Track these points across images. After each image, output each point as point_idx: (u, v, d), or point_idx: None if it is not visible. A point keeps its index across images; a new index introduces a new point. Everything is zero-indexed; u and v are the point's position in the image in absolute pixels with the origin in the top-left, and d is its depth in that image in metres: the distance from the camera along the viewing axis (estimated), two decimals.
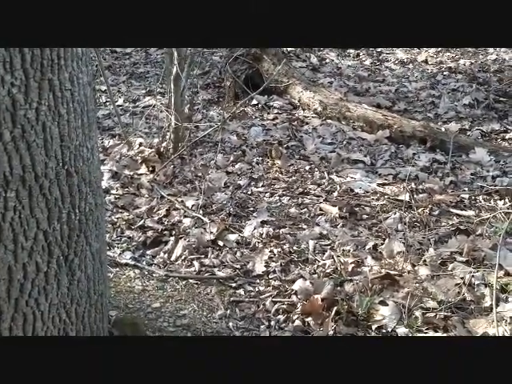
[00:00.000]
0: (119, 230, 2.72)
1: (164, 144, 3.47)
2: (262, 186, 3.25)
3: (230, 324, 2.12)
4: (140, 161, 3.34)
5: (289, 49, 5.60)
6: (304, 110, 4.41)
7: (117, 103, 4.31)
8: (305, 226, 2.82)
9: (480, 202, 3.09)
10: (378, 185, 3.30)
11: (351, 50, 5.84)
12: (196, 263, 2.50)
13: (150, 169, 3.29)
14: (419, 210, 2.95)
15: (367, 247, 2.63)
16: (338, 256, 2.53)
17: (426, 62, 5.57)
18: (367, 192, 3.21)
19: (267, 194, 3.14)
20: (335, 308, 2.13)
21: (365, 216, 2.93)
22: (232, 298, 2.28)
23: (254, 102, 4.46)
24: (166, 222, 2.78)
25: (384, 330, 2.07)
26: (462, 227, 2.76)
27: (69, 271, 1.56)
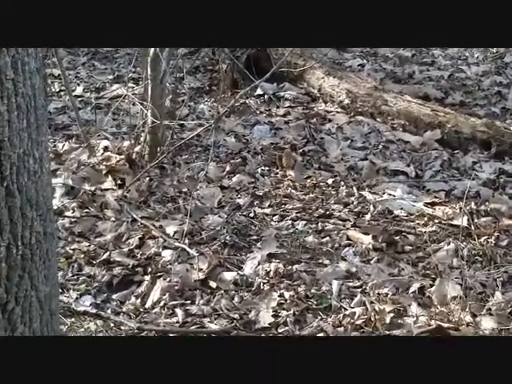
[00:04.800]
0: (76, 265, 2.71)
1: (137, 148, 3.48)
2: (269, 205, 3.24)
3: None
4: (105, 171, 3.35)
5: None
6: (326, 102, 4.41)
7: (74, 93, 4.33)
8: (327, 261, 2.81)
9: None
10: (426, 204, 3.29)
11: None
12: (179, 311, 2.49)
13: (119, 182, 3.29)
14: (481, 240, 2.94)
15: (411, 290, 2.62)
16: (372, 302, 2.52)
17: None
18: (411, 214, 3.20)
19: (276, 218, 3.14)
20: None
21: (408, 247, 2.92)
22: None
23: (259, 91, 4.47)
24: (138, 256, 2.77)
25: None
26: None
27: (8, 325, 1.55)
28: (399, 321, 2.44)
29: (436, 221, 3.15)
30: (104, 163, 3.40)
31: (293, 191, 3.39)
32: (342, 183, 3.49)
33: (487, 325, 2.40)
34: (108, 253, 2.78)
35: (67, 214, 3.04)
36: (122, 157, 3.43)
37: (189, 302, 2.55)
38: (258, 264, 2.75)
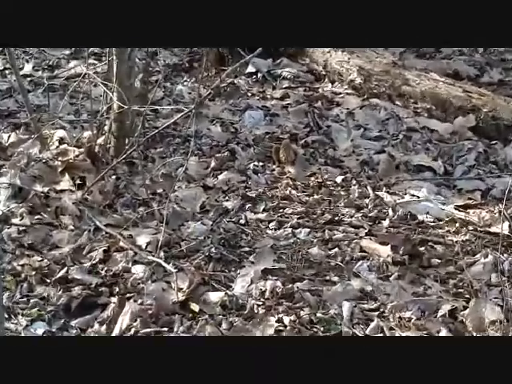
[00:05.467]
0: (26, 285, 2.68)
1: (100, 140, 3.47)
2: (264, 210, 3.24)
3: None
4: (61, 168, 3.33)
5: None
6: (333, 82, 4.41)
7: (22, 72, 4.31)
8: (335, 278, 2.80)
9: None
10: (457, 208, 3.30)
11: None
12: None
13: (78, 182, 3.28)
14: None
15: (440, 313, 2.61)
16: (392, 328, 2.52)
17: None
18: (439, 220, 3.21)
19: (272, 225, 3.14)
20: None
21: (435, 261, 2.92)
22: None
23: (251, 69, 4.47)
24: (103, 272, 2.76)
25: None
26: None
27: None
28: None
29: (470, 228, 3.15)
30: (60, 158, 3.39)
31: (293, 192, 3.39)
32: (354, 182, 3.49)
33: None
34: (65, 269, 2.76)
35: (14, 221, 3.02)
36: (82, 150, 3.41)
37: (165, 329, 2.53)
38: (251, 282, 2.73)
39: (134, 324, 2.53)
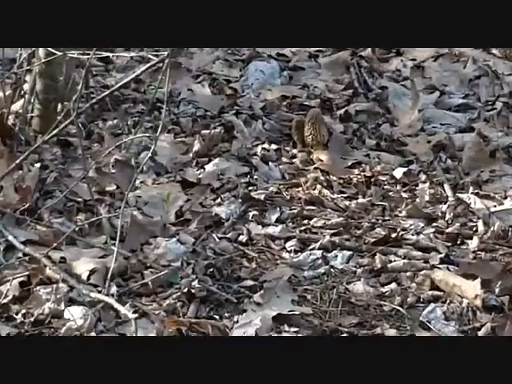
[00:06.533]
0: None
1: (17, 106, 3.51)
2: (279, 221, 3.26)
3: None
4: None
5: None
6: None
7: None
8: (391, 332, 2.80)
9: None
10: None
11: None
12: None
13: None
14: None
15: None
16: None
17: None
18: None
19: (291, 244, 3.15)
20: None
21: None
22: None
23: None
24: (19, 317, 2.75)
25: None
26: None
27: None
28: None
29: None
30: None
31: (325, 192, 3.41)
32: (423, 177, 3.52)
33: None
34: None
35: None
36: None
37: None
38: (257, 335, 2.72)
39: None
